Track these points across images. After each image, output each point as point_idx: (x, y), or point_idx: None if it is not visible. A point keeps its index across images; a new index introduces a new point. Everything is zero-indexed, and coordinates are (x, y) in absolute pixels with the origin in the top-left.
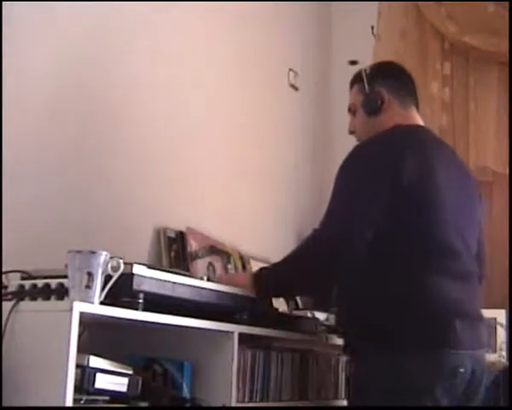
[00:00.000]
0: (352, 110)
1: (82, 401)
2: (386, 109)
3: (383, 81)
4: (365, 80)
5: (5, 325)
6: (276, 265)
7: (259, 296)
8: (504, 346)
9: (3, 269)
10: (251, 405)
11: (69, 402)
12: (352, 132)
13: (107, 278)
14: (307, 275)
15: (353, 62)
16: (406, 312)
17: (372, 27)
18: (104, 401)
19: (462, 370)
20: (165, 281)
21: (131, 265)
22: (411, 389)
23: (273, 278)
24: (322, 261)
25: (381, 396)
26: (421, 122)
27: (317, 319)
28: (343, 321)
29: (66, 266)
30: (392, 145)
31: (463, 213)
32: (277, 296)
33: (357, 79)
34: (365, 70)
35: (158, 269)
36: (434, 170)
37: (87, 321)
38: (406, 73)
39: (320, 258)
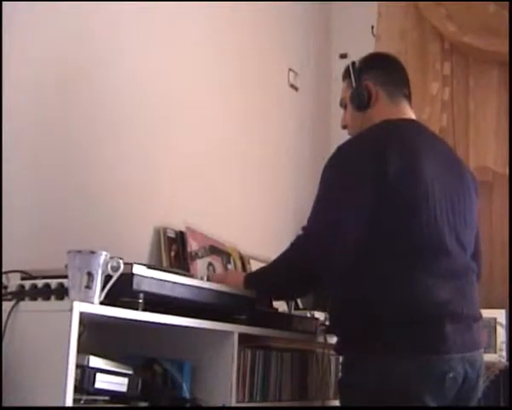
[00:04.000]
0: (342, 104)
1: (82, 401)
2: (375, 103)
3: (371, 74)
4: (352, 74)
5: (5, 325)
6: (264, 268)
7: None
8: (504, 346)
9: (3, 269)
10: (251, 405)
11: (69, 402)
12: (344, 127)
13: (107, 278)
14: (290, 280)
15: (343, 56)
16: (393, 315)
17: (372, 27)
18: (104, 401)
19: (451, 375)
20: (164, 281)
21: (131, 265)
22: (398, 393)
23: (260, 282)
24: (305, 267)
25: (369, 399)
26: (412, 115)
27: (316, 319)
28: (332, 324)
29: (66, 266)
30: (374, 145)
31: (458, 210)
32: (266, 297)
33: (346, 73)
34: (354, 63)
35: (158, 269)
36: (422, 166)
37: (87, 321)
38: (397, 64)
39: (303, 264)
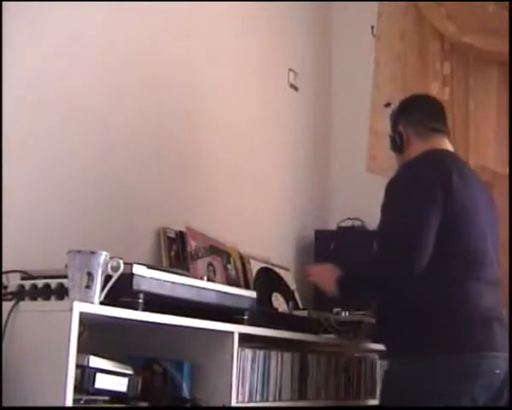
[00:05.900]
0: None
1: (82, 401)
2: (408, 146)
3: (404, 120)
4: (390, 123)
5: (5, 325)
6: (355, 271)
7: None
8: None
9: (3, 269)
10: (251, 405)
11: (69, 402)
12: None
13: (107, 278)
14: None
15: (387, 105)
16: (450, 316)
17: (372, 27)
18: (104, 401)
19: (498, 371)
20: (164, 281)
21: (131, 265)
22: (451, 390)
23: (352, 283)
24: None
25: (421, 397)
26: (447, 146)
27: (316, 319)
28: (385, 324)
29: (66, 266)
30: (438, 165)
31: (492, 224)
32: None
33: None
34: (392, 112)
35: (158, 269)
36: (471, 186)
37: (87, 321)
38: (428, 102)
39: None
